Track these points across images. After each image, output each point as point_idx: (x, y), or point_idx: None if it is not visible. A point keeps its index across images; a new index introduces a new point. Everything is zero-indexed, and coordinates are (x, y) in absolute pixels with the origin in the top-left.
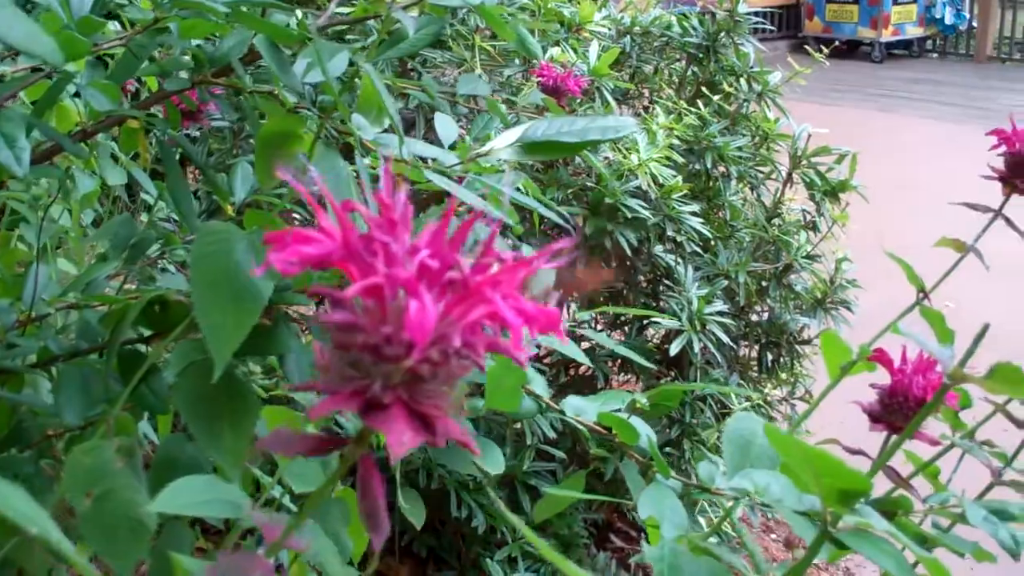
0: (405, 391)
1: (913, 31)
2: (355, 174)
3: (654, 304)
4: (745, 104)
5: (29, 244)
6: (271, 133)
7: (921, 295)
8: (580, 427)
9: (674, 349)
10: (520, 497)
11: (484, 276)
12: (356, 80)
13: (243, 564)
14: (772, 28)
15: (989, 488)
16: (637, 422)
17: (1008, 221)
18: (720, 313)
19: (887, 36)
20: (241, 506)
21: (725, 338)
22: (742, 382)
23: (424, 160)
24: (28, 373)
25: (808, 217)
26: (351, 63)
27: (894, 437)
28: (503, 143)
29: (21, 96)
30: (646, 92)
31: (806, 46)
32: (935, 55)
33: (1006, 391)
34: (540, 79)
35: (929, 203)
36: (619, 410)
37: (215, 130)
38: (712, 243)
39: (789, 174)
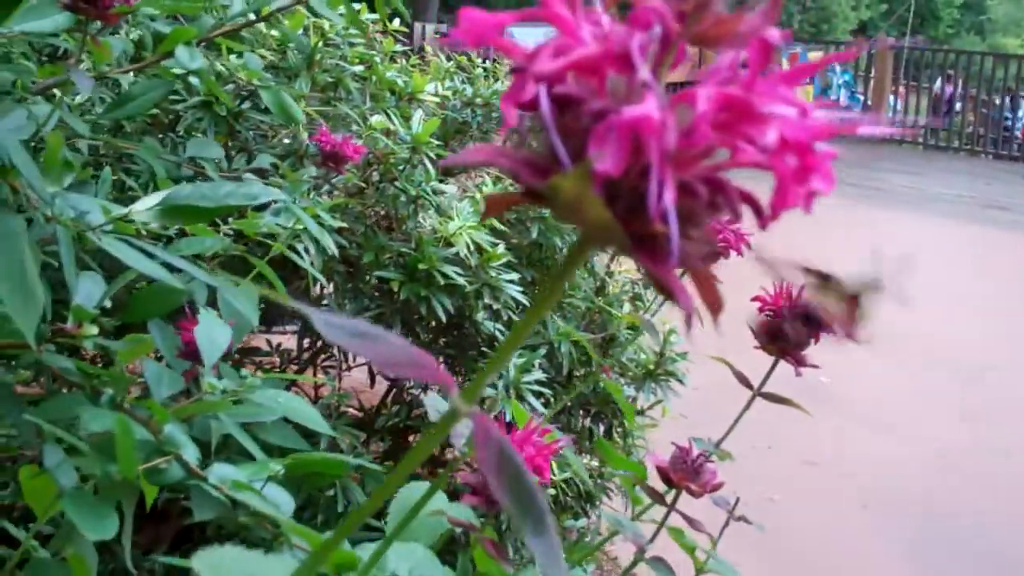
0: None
1: None
2: None
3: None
4: None
5: None
6: None
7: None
8: (220, 496)
9: None
10: None
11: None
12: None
13: None
14: None
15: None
16: (275, 491)
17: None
18: (539, 382)
19: None
20: None
21: (540, 407)
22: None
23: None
24: None
25: (635, 289)
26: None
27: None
28: (144, 206)
29: None
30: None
31: None
32: None
33: None
34: (319, 143)
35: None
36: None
37: None
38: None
39: None
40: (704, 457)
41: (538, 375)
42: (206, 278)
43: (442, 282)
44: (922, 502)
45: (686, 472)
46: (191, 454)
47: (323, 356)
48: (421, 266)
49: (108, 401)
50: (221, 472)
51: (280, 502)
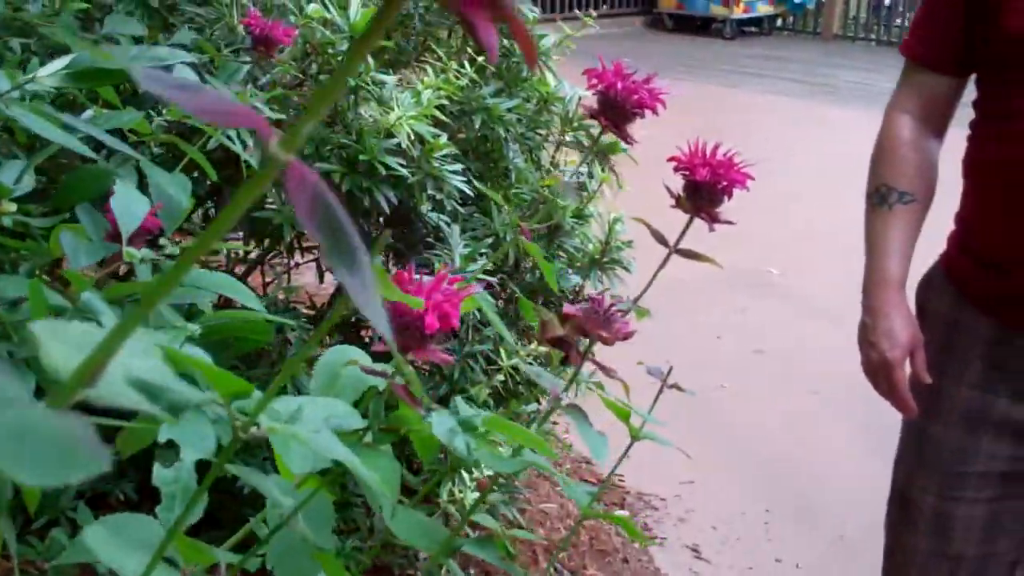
0: None
1: (764, 9)
2: None
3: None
4: (521, 67)
5: None
6: None
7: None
8: None
9: None
10: None
11: None
12: None
13: None
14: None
15: None
16: (193, 351)
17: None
18: (486, 272)
19: (738, 14)
20: None
21: (487, 296)
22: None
23: None
24: None
25: (579, 179)
26: None
27: None
28: (49, 71)
29: None
30: (428, 56)
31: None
32: (785, 33)
33: None
34: (249, 26)
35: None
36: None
37: None
38: (488, 204)
39: (561, 136)
40: (615, 307)
41: (484, 263)
42: (126, 149)
43: (384, 173)
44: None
45: (597, 321)
46: (108, 320)
47: (271, 255)
48: (362, 158)
49: (26, 272)
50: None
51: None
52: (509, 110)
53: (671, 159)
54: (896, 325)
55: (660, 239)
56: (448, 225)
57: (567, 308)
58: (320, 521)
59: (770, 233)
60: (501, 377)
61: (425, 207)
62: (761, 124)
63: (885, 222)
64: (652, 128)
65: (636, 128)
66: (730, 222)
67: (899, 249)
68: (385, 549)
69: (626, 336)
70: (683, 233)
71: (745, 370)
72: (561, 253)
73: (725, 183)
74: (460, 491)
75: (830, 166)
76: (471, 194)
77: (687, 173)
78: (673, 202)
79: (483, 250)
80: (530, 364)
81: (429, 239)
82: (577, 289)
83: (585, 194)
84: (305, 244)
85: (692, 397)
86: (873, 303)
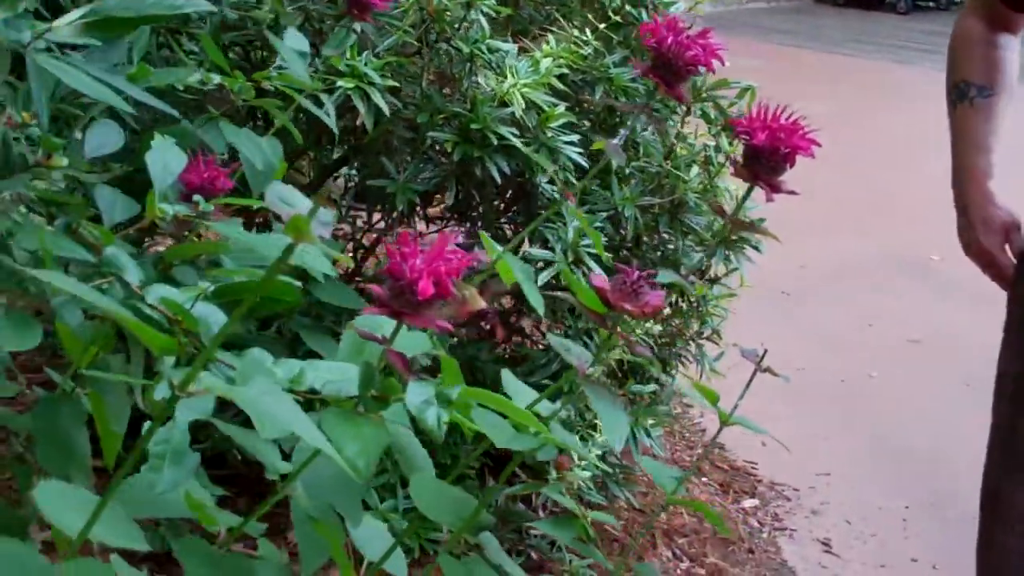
0: None
1: None
2: None
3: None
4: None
5: None
6: None
7: None
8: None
9: (541, 280)
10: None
11: None
12: None
13: None
14: None
15: None
16: (206, 309)
17: None
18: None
19: None
20: None
21: (598, 270)
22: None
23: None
24: None
25: (706, 153)
26: None
27: None
28: (66, 20)
29: None
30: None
31: None
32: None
33: None
34: None
35: (906, 155)
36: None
37: None
38: (609, 177)
39: (688, 108)
40: (645, 280)
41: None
42: (162, 106)
43: (496, 143)
44: None
45: (624, 293)
46: (133, 276)
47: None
48: (474, 127)
49: (61, 226)
50: (159, 292)
51: (211, 320)
52: (633, 80)
53: (732, 122)
54: (989, 213)
55: (716, 208)
56: (563, 197)
57: (595, 278)
58: (346, 489)
59: (934, 217)
60: (617, 355)
61: (541, 179)
62: (929, 102)
63: (966, 117)
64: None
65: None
66: (793, 191)
67: (983, 143)
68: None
69: (655, 310)
70: (741, 202)
71: (896, 359)
72: (685, 230)
73: (787, 149)
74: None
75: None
76: (585, 165)
77: (746, 137)
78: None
79: (598, 224)
80: (557, 336)
81: (543, 211)
82: (703, 268)
83: (711, 168)
84: (431, 214)
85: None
86: (964, 198)
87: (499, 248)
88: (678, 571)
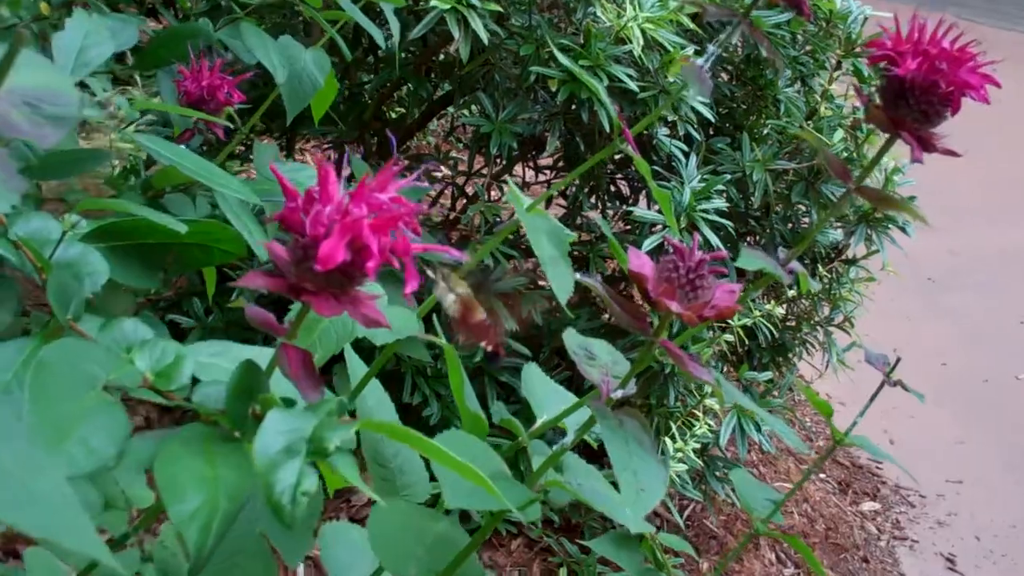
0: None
1: None
2: None
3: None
4: None
5: None
6: None
7: None
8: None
9: (647, 246)
10: (488, 391)
11: None
12: None
13: None
14: None
15: None
16: (82, 252)
17: None
18: (719, 212)
19: None
20: None
21: (716, 240)
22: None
23: None
24: None
25: (855, 116)
26: None
27: None
28: None
29: None
30: None
31: None
32: None
33: None
34: None
35: None
36: None
37: None
38: (740, 135)
39: (838, 62)
40: (709, 264)
41: (719, 203)
42: None
43: (608, 84)
44: None
45: (673, 284)
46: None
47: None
48: (583, 63)
49: None
50: (32, 224)
51: (83, 270)
52: (778, 26)
53: (871, 44)
54: None
55: (838, 169)
56: (685, 154)
57: (634, 257)
58: None
59: None
60: (730, 337)
61: (659, 131)
62: None
63: None
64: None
65: None
66: (952, 152)
67: None
68: None
69: (720, 314)
70: (878, 157)
71: None
72: (823, 202)
73: (949, 86)
74: (683, 441)
75: None
76: (711, 119)
77: (889, 65)
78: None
79: (719, 187)
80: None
81: (658, 168)
82: (840, 247)
83: (859, 134)
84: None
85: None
86: None
87: (523, 197)
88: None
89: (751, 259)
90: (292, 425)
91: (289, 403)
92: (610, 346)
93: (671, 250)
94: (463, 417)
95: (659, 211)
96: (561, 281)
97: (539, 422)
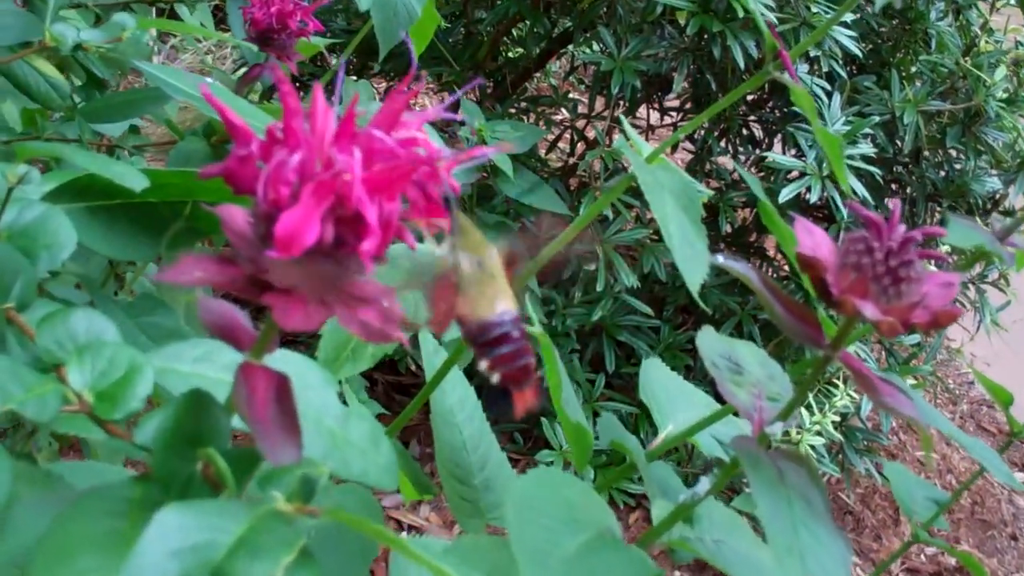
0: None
1: None
2: None
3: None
4: None
5: None
6: None
7: None
8: None
9: (784, 196)
10: (605, 351)
11: None
12: None
13: None
14: None
15: None
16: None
17: None
18: (865, 158)
19: None
20: None
21: (861, 189)
22: None
23: None
24: None
25: (1018, 51)
26: None
27: None
28: None
29: None
30: None
31: None
32: None
33: None
34: None
35: None
36: None
37: None
38: (889, 73)
39: None
40: (919, 247)
41: (866, 149)
42: None
43: (743, 16)
44: None
45: (866, 275)
46: None
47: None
48: None
49: None
50: None
51: (39, 237)
52: None
53: None
54: None
55: None
56: (827, 94)
57: (804, 234)
58: None
59: None
60: None
61: (799, 67)
62: None
63: None
64: None
65: None
66: None
67: None
68: None
69: (935, 320)
70: None
71: None
72: (980, 147)
73: None
74: (821, 413)
75: None
76: (858, 54)
77: None
78: None
79: (867, 130)
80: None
81: (797, 109)
82: (996, 197)
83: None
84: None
85: None
86: None
87: (642, 142)
88: (922, 557)
89: (964, 232)
90: (196, 533)
91: (247, 459)
92: (763, 354)
93: (851, 221)
94: (564, 427)
95: (797, 156)
96: (691, 260)
97: (661, 436)
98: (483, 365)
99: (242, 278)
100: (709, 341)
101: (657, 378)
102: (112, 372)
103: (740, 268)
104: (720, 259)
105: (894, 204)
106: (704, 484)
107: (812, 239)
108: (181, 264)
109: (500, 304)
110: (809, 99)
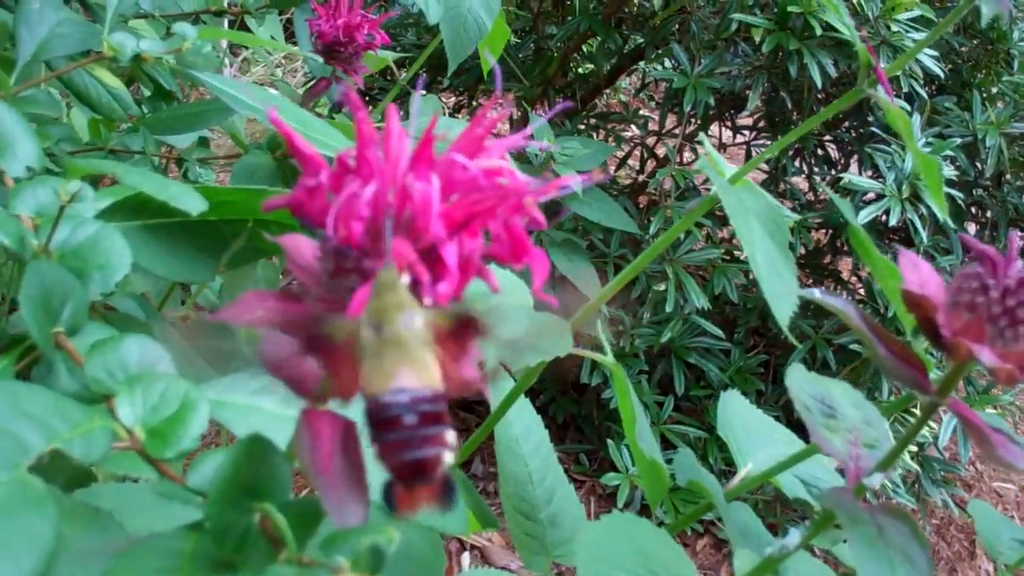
0: None
1: None
2: None
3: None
4: None
5: None
6: None
7: None
8: None
9: (861, 218)
10: (674, 373)
11: None
12: None
13: None
14: None
15: None
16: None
17: None
18: (946, 182)
19: None
20: None
21: (940, 213)
22: None
23: None
24: None
25: None
26: None
27: None
28: None
29: None
30: None
31: None
32: None
33: None
34: None
35: None
36: None
37: None
38: (971, 94)
39: None
40: None
41: (948, 172)
42: None
43: (820, 34)
44: None
45: (980, 316)
46: (14, 158)
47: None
48: (794, 9)
49: None
50: (32, 196)
51: (90, 259)
52: None
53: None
54: None
55: None
56: (907, 114)
57: (910, 270)
58: None
59: None
60: None
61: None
62: None
63: None
64: None
65: None
66: None
67: None
68: None
69: None
70: None
71: None
72: None
73: None
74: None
75: None
76: (940, 74)
77: None
78: None
79: (948, 152)
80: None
81: (875, 129)
82: None
83: None
84: (740, 124)
85: None
86: None
87: (724, 163)
88: None
89: None
90: None
91: (309, 515)
92: (858, 395)
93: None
94: (637, 463)
95: (874, 177)
96: (780, 293)
97: (740, 475)
98: (373, 451)
99: (305, 318)
100: (800, 381)
101: (735, 411)
102: (164, 407)
103: (839, 304)
104: (817, 294)
105: (1011, 240)
106: (794, 537)
107: (919, 274)
108: (242, 301)
109: (401, 379)
110: (905, 119)
